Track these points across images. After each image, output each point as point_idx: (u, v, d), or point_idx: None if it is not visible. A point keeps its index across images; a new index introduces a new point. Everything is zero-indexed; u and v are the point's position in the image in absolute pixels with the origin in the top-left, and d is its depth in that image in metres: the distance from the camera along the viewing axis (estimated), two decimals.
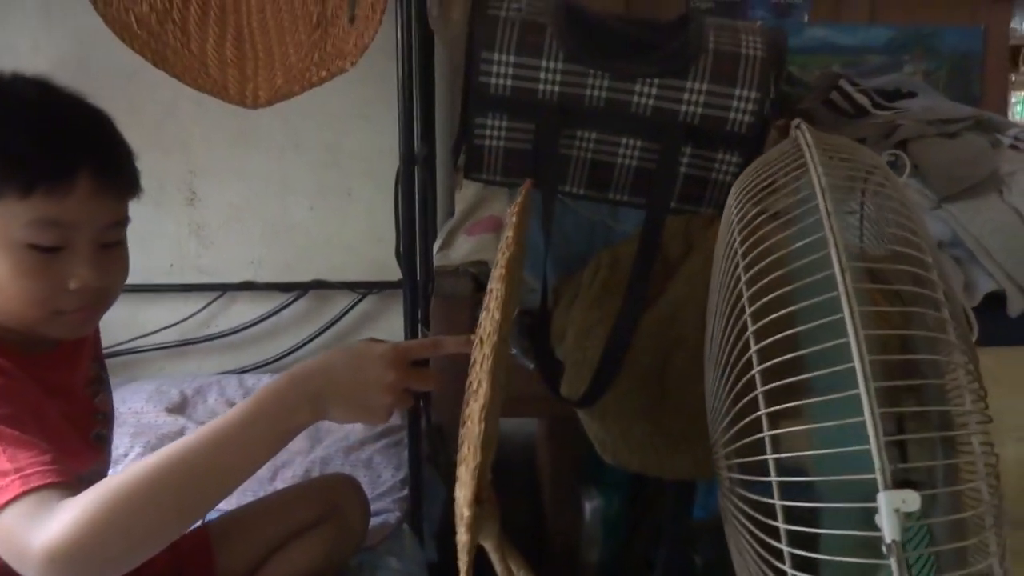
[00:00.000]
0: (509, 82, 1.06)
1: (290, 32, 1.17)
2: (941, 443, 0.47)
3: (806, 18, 1.55)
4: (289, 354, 1.71)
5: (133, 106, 1.61)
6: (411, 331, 1.25)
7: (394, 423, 1.42)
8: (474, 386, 0.61)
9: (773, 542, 0.47)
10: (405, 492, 1.21)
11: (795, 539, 0.47)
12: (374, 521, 1.12)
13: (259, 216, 1.71)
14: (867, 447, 0.41)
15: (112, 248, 0.76)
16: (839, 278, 0.43)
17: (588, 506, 1.40)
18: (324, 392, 0.67)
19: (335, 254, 1.73)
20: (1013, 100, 1.92)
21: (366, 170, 1.70)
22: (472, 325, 1.10)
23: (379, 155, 1.66)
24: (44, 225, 0.69)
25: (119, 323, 1.70)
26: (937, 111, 1.17)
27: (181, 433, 1.37)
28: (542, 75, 1.06)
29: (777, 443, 0.52)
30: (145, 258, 1.70)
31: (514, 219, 0.65)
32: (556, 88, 1.07)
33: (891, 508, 0.35)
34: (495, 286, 0.59)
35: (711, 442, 0.57)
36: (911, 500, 0.35)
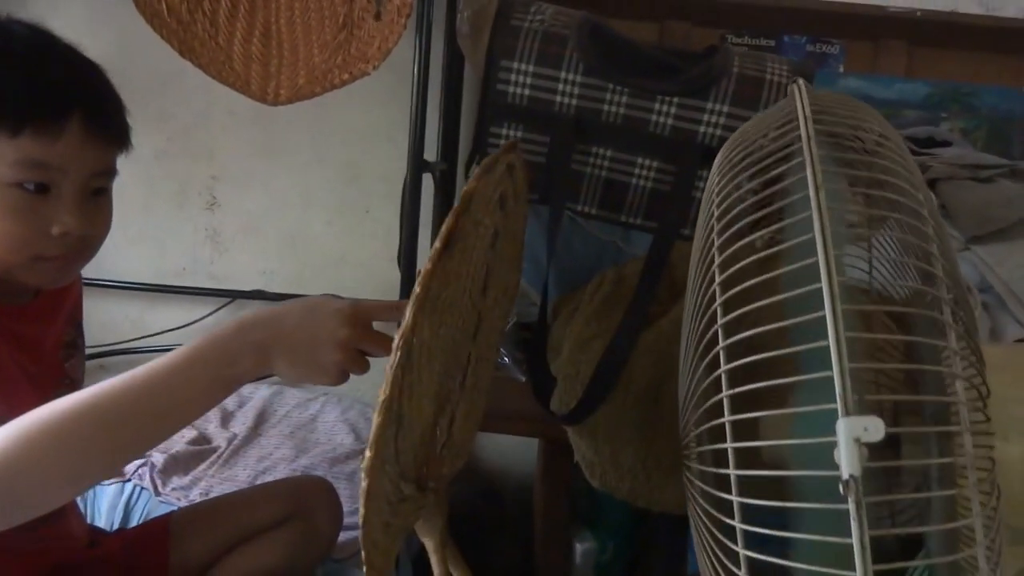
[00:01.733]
0: (527, 91, 1.05)
1: (316, 32, 1.17)
2: (936, 440, 0.42)
3: (841, 68, 1.52)
4: None
5: (165, 111, 1.64)
6: None
7: None
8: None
9: (729, 542, 0.41)
10: None
11: (755, 540, 0.42)
12: (349, 535, 1.07)
13: (276, 227, 1.71)
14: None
15: (97, 198, 0.74)
16: (820, 248, 0.38)
17: (579, 548, 1.32)
18: (270, 343, 0.63)
19: (348, 270, 1.71)
20: None
21: (386, 191, 1.70)
22: None
23: (400, 176, 1.65)
24: (31, 166, 0.68)
25: (128, 321, 1.70)
26: (970, 157, 1.13)
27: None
28: (560, 86, 1.05)
29: (755, 434, 0.47)
30: (160, 259, 1.71)
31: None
32: (574, 101, 1.05)
33: (851, 437, 0.29)
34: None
35: (681, 440, 0.52)
36: (874, 428, 0.29)
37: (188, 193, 1.71)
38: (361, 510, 0.50)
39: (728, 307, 0.37)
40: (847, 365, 0.31)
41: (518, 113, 1.07)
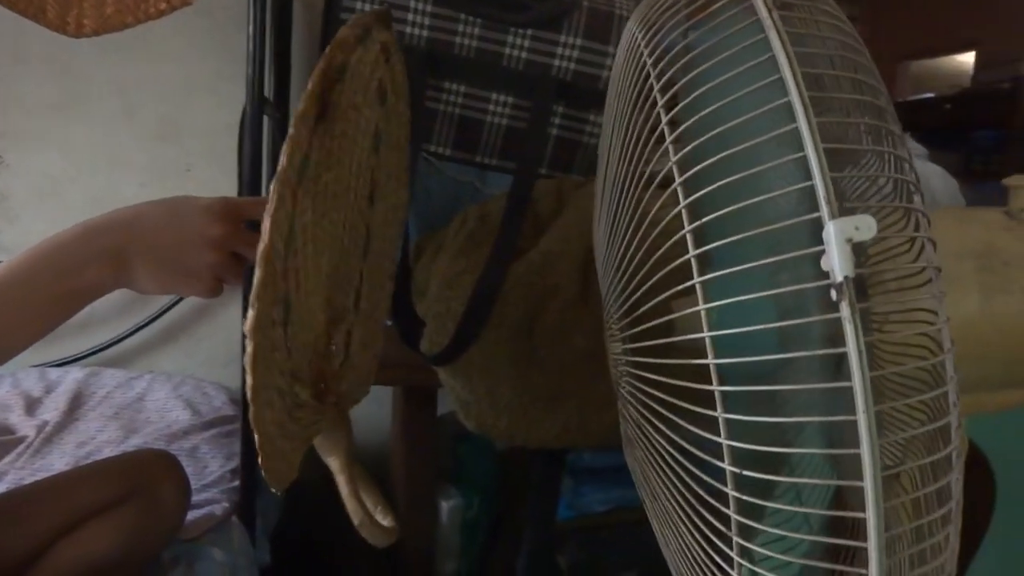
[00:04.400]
0: (425, 33, 0.99)
1: None
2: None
3: None
4: (104, 348, 1.49)
5: None
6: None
7: (226, 412, 1.25)
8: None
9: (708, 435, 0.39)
10: (235, 483, 1.05)
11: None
12: (197, 513, 0.96)
13: (78, 190, 1.51)
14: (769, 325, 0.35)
15: None
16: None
17: (445, 506, 1.28)
18: (127, 246, 0.53)
19: None
20: None
21: (208, 147, 1.55)
22: None
23: (226, 131, 1.51)
24: None
25: None
26: None
27: None
28: (410, 16, 0.99)
29: (671, 329, 0.46)
30: None
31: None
32: (425, 32, 1.00)
33: (842, 237, 0.28)
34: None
35: (605, 320, 0.49)
36: (866, 227, 0.28)
37: None
38: (249, 379, 0.43)
39: (684, 168, 0.34)
40: (828, 171, 0.29)
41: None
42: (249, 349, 0.43)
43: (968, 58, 3.71)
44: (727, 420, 0.33)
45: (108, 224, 0.54)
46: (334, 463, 0.55)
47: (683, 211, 0.33)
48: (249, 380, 0.44)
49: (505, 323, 0.89)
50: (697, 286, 0.33)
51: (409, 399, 1.20)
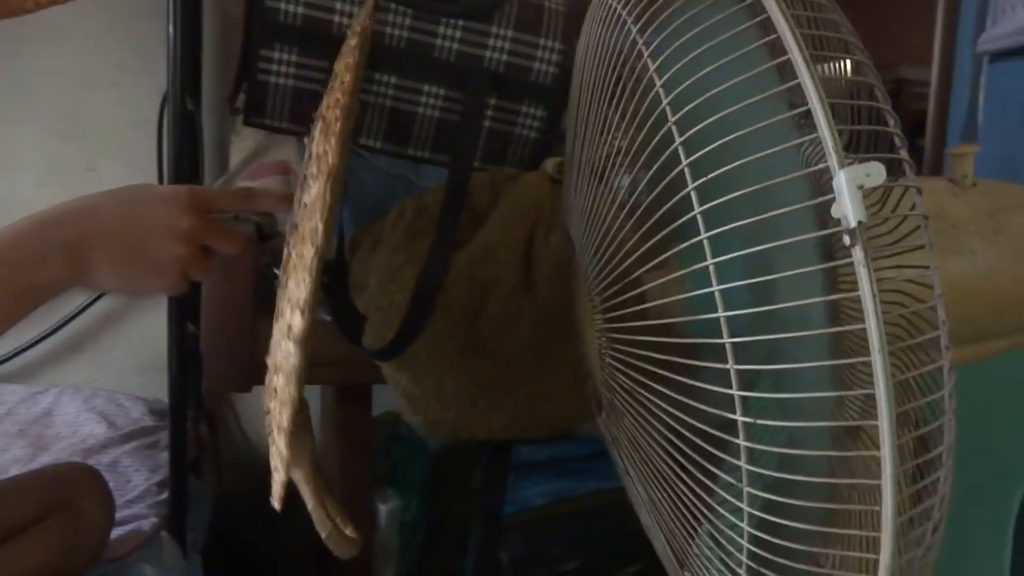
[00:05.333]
0: (300, 9, 0.95)
1: None
2: None
3: None
4: (2, 362, 1.38)
5: None
6: (176, 311, 1.05)
7: (146, 423, 1.18)
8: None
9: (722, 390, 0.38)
10: (163, 496, 1.00)
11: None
12: (124, 529, 0.90)
13: None
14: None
15: None
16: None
17: (383, 509, 1.25)
18: (86, 238, 0.49)
19: None
20: None
21: (114, 144, 1.46)
22: (256, 280, 0.95)
23: (129, 126, 1.44)
24: None
25: None
26: None
27: None
28: (339, 5, 0.96)
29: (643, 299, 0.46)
30: None
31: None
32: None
33: (854, 184, 0.29)
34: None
35: (587, 294, 0.49)
36: (876, 173, 0.29)
37: None
38: (292, 392, 0.41)
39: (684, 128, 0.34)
40: (833, 122, 0.30)
41: (292, 34, 0.97)
42: (296, 361, 0.41)
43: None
44: (737, 371, 0.33)
45: (63, 216, 0.50)
46: (298, 473, 0.53)
47: (685, 169, 0.33)
48: (293, 393, 0.41)
49: (449, 315, 0.88)
50: (704, 242, 0.33)
51: (343, 399, 1.16)
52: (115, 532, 0.88)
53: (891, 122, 0.36)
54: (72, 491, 0.80)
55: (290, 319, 0.44)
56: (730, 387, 0.33)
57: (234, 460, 1.33)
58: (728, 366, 0.32)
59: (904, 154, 0.35)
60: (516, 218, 0.96)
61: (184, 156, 0.96)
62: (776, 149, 0.31)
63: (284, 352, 0.44)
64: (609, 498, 1.41)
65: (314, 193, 0.44)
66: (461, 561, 1.34)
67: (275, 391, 0.51)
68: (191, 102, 1.26)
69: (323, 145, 0.45)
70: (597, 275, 0.45)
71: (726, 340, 0.32)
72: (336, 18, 0.97)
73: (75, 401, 1.25)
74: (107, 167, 1.46)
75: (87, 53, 1.44)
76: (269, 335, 0.98)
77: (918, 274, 0.34)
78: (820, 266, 0.32)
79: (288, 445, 0.45)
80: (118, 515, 0.90)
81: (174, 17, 0.95)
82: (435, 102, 1.03)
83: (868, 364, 0.34)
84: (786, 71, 0.33)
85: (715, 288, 0.33)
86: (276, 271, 0.93)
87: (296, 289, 0.45)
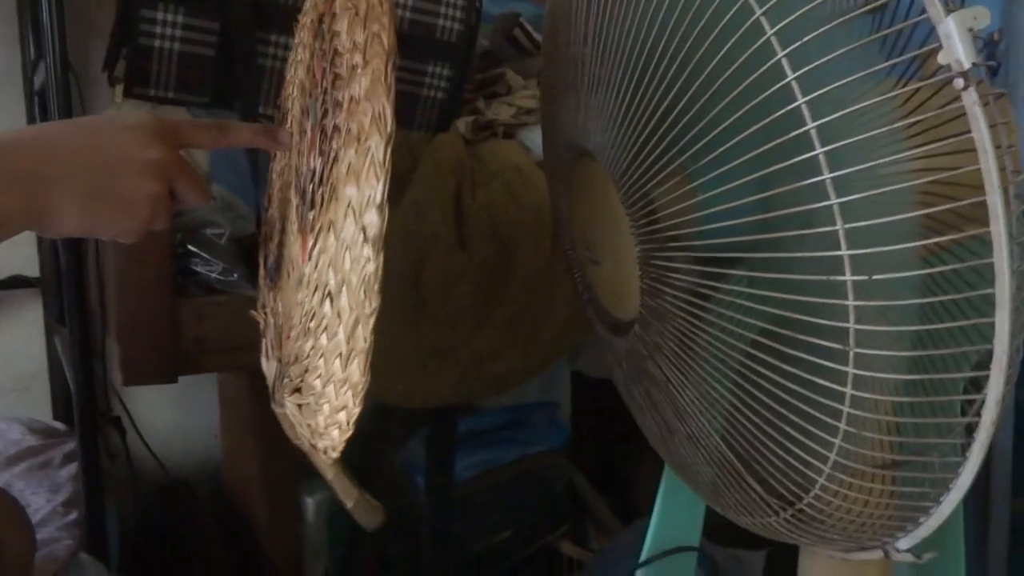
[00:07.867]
0: None
1: None
2: None
3: None
4: None
5: None
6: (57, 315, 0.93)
7: (31, 443, 1.05)
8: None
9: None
10: (72, 516, 0.89)
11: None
12: (43, 553, 0.80)
13: None
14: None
15: None
16: None
17: (310, 502, 1.19)
18: (42, 169, 0.42)
19: None
20: None
21: None
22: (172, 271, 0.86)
23: None
24: None
25: None
26: None
27: None
28: None
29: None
30: None
31: None
32: None
33: (964, 27, 0.30)
34: None
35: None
36: (982, 16, 0.30)
37: None
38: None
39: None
40: None
41: None
42: (373, 267, 0.44)
43: None
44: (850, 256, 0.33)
45: (13, 143, 0.42)
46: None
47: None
48: (375, 304, 0.44)
49: (390, 279, 0.84)
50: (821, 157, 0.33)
51: (261, 386, 1.08)
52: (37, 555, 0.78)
53: None
54: None
55: (364, 220, 0.43)
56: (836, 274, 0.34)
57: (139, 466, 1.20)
58: (842, 252, 0.33)
59: None
60: (441, 177, 0.94)
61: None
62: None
63: (354, 259, 0.41)
64: (534, 463, 1.42)
65: (367, 81, 0.41)
66: (393, 550, 1.30)
67: (311, 335, 0.47)
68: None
69: (361, 34, 0.42)
70: (640, 177, 0.44)
71: (840, 227, 0.33)
72: None
73: None
74: None
75: None
76: (190, 319, 0.90)
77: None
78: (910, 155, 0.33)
79: (363, 372, 0.42)
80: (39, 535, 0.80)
81: None
82: None
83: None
84: None
85: (826, 176, 0.33)
86: (192, 248, 0.86)
87: (366, 187, 0.44)
